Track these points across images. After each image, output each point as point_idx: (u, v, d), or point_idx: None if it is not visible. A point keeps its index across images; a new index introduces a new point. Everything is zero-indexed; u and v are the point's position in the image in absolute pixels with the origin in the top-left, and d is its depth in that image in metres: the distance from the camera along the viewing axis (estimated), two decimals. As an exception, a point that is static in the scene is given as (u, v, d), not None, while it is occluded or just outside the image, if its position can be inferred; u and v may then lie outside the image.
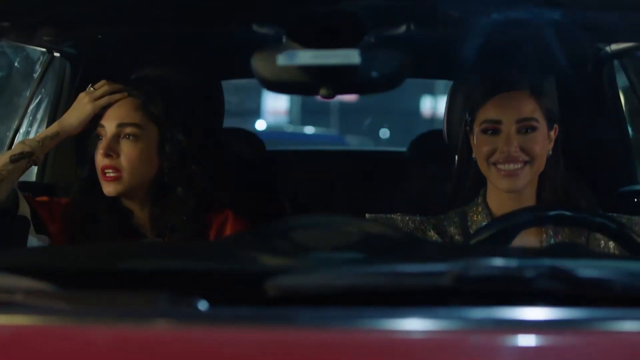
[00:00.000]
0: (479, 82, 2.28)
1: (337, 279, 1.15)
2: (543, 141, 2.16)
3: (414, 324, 1.09)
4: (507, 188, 2.14)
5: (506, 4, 2.00)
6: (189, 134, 2.29)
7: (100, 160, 2.21)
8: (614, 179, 2.88)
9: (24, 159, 2.17)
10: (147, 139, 2.24)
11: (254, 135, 3.70)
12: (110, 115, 2.24)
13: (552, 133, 2.19)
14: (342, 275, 1.15)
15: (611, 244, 2.14)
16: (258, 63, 1.50)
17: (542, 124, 2.16)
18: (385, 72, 1.53)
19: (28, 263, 1.29)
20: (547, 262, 1.15)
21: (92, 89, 2.27)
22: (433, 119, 17.27)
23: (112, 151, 2.20)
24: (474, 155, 2.23)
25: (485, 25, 2.37)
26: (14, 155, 2.17)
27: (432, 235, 2.19)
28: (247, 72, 1.52)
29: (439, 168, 2.65)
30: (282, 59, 1.42)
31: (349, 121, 17.26)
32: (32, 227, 2.20)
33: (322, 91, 1.47)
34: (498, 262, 1.16)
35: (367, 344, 1.07)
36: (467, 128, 2.26)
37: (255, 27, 1.49)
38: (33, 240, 2.19)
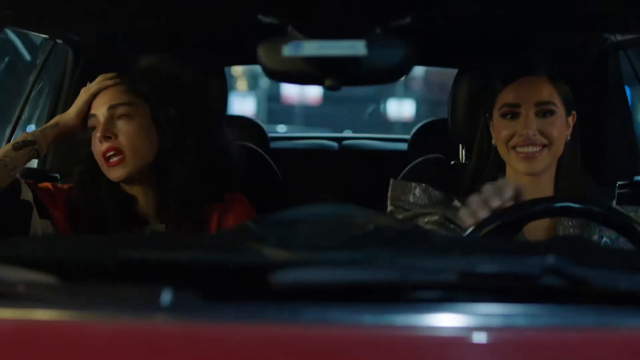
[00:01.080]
0: (497, 67, 2.31)
1: (341, 274, 1.14)
2: (561, 126, 2.20)
3: (419, 320, 1.08)
4: (526, 170, 2.17)
5: None
6: (182, 113, 2.28)
7: (99, 146, 2.20)
8: (618, 170, 2.87)
9: (26, 147, 2.19)
10: (140, 114, 2.24)
11: (256, 123, 3.69)
12: (99, 102, 2.26)
13: (570, 119, 2.24)
14: (346, 271, 1.14)
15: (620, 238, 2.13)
16: (263, 53, 1.49)
17: (560, 109, 2.20)
18: (391, 62, 1.52)
19: (28, 255, 1.28)
20: (553, 258, 1.14)
21: (89, 84, 2.31)
22: (397, 122, 17.70)
23: (109, 133, 2.20)
24: (493, 142, 2.27)
25: (490, 16, 2.37)
26: (17, 143, 2.20)
27: (456, 205, 2.20)
28: (250, 59, 1.51)
29: (443, 157, 2.65)
30: (287, 50, 1.41)
31: (313, 122, 17.42)
32: (35, 211, 2.20)
33: (328, 82, 1.46)
34: (504, 258, 1.15)
35: (372, 339, 1.06)
36: (487, 115, 2.28)
37: (260, 17, 1.48)
38: (36, 225, 2.19)
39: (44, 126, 2.30)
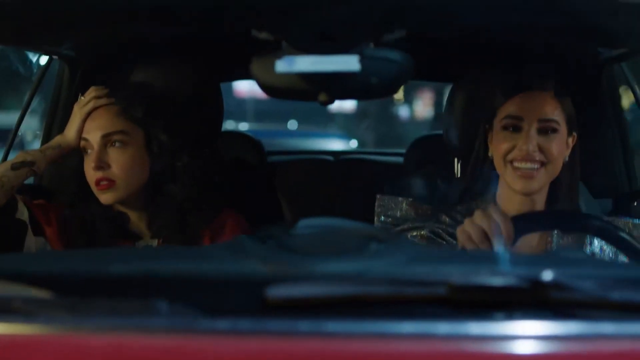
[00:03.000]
0: (501, 78, 2.27)
1: (335, 287, 1.14)
2: (562, 145, 2.15)
3: (412, 334, 1.08)
4: (521, 189, 2.12)
5: (505, 8, 1.99)
6: (177, 134, 2.28)
7: (92, 174, 2.20)
8: (614, 182, 2.87)
9: (25, 167, 2.18)
10: (134, 143, 2.23)
11: (253, 139, 3.70)
12: (92, 127, 2.24)
13: (570, 140, 2.18)
14: (340, 284, 1.14)
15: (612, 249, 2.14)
16: (257, 68, 1.49)
17: (562, 128, 2.15)
18: (384, 77, 1.52)
19: (23, 270, 1.28)
20: (547, 272, 1.14)
21: (82, 97, 2.29)
22: (339, 113, 21.21)
23: (102, 163, 2.19)
24: (490, 154, 2.23)
25: (484, 29, 2.37)
26: (16, 163, 2.17)
27: (444, 220, 2.19)
28: (245, 74, 1.51)
29: (438, 170, 2.65)
30: (280, 65, 1.42)
31: (262, 116, 20.02)
32: (29, 230, 2.20)
33: (321, 97, 1.46)
34: (497, 272, 1.16)
35: (367, 353, 1.06)
36: (487, 125, 2.25)
37: (254, 33, 1.49)
38: (30, 243, 2.19)
39: (44, 146, 2.27)
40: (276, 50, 1.46)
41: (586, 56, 2.95)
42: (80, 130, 2.25)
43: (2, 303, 1.16)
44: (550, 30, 2.35)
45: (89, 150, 2.23)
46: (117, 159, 2.20)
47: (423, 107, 24.43)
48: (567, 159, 2.18)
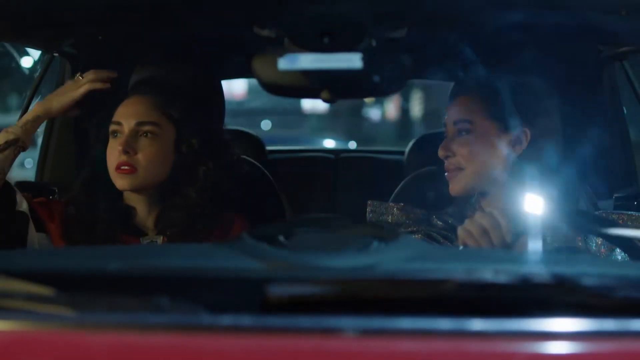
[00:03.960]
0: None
1: (336, 286, 1.14)
2: (484, 145, 2.17)
3: (413, 333, 1.08)
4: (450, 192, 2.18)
5: (506, 6, 1.99)
6: (201, 135, 2.30)
7: (116, 156, 2.21)
8: (614, 181, 2.87)
9: (9, 147, 2.17)
10: (164, 138, 2.25)
11: (255, 137, 3.70)
12: (127, 112, 2.25)
13: (510, 137, 2.17)
14: (341, 282, 1.14)
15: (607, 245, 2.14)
16: (259, 66, 1.49)
17: (475, 126, 2.17)
18: (387, 75, 1.52)
19: (26, 267, 1.28)
20: (548, 270, 1.14)
21: (80, 77, 2.29)
22: (312, 114, 20.67)
23: (130, 148, 2.21)
24: None
25: (485, 27, 2.37)
26: (0, 145, 2.16)
27: (436, 223, 2.20)
28: (247, 72, 1.51)
29: (438, 169, 2.65)
30: (283, 63, 1.41)
31: (236, 115, 20.25)
32: (31, 223, 2.19)
33: (324, 95, 1.46)
34: (499, 270, 1.16)
35: (367, 352, 1.06)
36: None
37: (256, 30, 1.48)
38: (33, 236, 2.19)
39: (23, 120, 2.24)
40: (278, 48, 1.46)
41: (587, 54, 2.94)
42: (67, 107, 2.26)
43: (4, 299, 1.16)
44: (550, 28, 2.35)
45: (118, 135, 2.23)
46: (145, 148, 2.22)
47: (394, 108, 25.13)
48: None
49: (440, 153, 2.18)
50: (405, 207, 2.29)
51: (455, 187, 2.15)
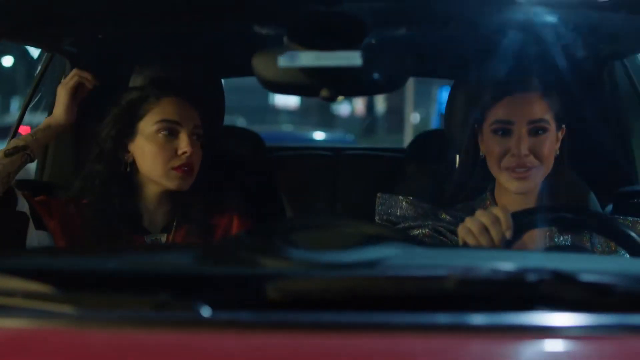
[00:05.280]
0: (489, 81, 2.28)
1: (338, 282, 1.14)
2: (552, 142, 2.17)
3: (415, 329, 1.08)
4: (516, 190, 2.16)
5: (505, 5, 1.99)
6: (211, 133, 2.34)
7: (174, 156, 2.23)
8: (614, 179, 2.87)
9: (18, 152, 2.18)
10: (200, 140, 2.29)
11: (254, 134, 3.70)
12: (185, 115, 2.27)
13: (559, 133, 2.20)
14: (342, 280, 1.15)
15: (612, 245, 2.14)
16: (259, 64, 1.49)
17: (552, 126, 2.17)
18: (387, 73, 1.52)
19: (28, 265, 1.29)
20: (548, 266, 1.14)
21: (63, 79, 2.31)
22: (283, 110, 22.65)
23: (192, 149, 2.23)
24: (482, 153, 2.25)
25: (486, 25, 2.37)
26: (9, 149, 2.18)
27: (444, 217, 2.20)
28: (247, 70, 1.51)
29: (439, 167, 2.65)
30: (283, 60, 1.42)
31: None
32: (31, 223, 2.20)
33: (324, 93, 1.46)
34: (499, 266, 1.16)
35: (369, 348, 1.06)
36: (476, 126, 2.26)
37: (256, 28, 1.49)
38: (32, 236, 2.19)
39: (34, 130, 2.27)
40: (277, 46, 1.46)
41: (587, 52, 2.94)
42: (69, 108, 2.27)
43: (6, 298, 1.16)
44: (550, 26, 2.35)
45: (173, 135, 2.25)
46: (196, 150, 2.25)
47: (362, 105, 27.05)
48: (557, 152, 2.20)
49: (523, 153, 2.13)
50: (413, 200, 2.30)
51: (528, 185, 2.14)
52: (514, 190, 2.15)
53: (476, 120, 2.26)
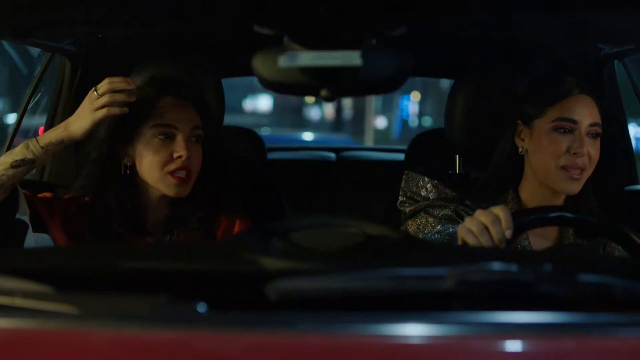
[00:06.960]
0: (546, 80, 2.29)
1: (338, 282, 1.14)
2: (599, 147, 2.20)
3: (415, 329, 1.08)
4: (565, 190, 2.18)
5: (506, 4, 1.99)
6: (211, 135, 2.33)
7: (170, 160, 2.21)
8: (614, 178, 2.87)
9: (25, 165, 2.13)
10: (201, 141, 2.27)
11: (255, 134, 3.70)
12: (183, 117, 2.24)
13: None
14: (342, 279, 1.15)
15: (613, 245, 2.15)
16: (259, 63, 1.49)
17: (600, 131, 2.20)
18: (387, 73, 1.52)
19: (27, 265, 1.28)
20: (548, 266, 1.14)
21: (95, 93, 2.12)
22: (252, 113, 23.67)
23: (189, 152, 2.21)
24: (520, 151, 2.27)
25: (485, 26, 2.37)
26: (16, 161, 2.12)
27: (468, 204, 2.21)
28: (247, 70, 1.51)
29: (440, 166, 2.65)
30: (283, 60, 1.41)
31: None
32: (30, 229, 2.18)
33: (323, 93, 1.46)
34: (499, 266, 1.16)
35: (368, 348, 1.06)
36: (521, 123, 2.28)
37: (256, 28, 1.48)
38: (30, 239, 2.18)
39: (47, 143, 2.14)
40: (278, 46, 1.46)
41: (587, 51, 2.95)
42: (89, 130, 2.13)
43: (5, 298, 1.16)
44: (550, 26, 2.35)
45: (169, 138, 2.21)
46: (196, 153, 2.24)
47: (332, 109, 28.75)
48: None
49: (585, 152, 2.15)
50: (439, 184, 2.30)
51: (578, 187, 2.17)
52: (565, 190, 2.18)
53: (523, 117, 2.26)
